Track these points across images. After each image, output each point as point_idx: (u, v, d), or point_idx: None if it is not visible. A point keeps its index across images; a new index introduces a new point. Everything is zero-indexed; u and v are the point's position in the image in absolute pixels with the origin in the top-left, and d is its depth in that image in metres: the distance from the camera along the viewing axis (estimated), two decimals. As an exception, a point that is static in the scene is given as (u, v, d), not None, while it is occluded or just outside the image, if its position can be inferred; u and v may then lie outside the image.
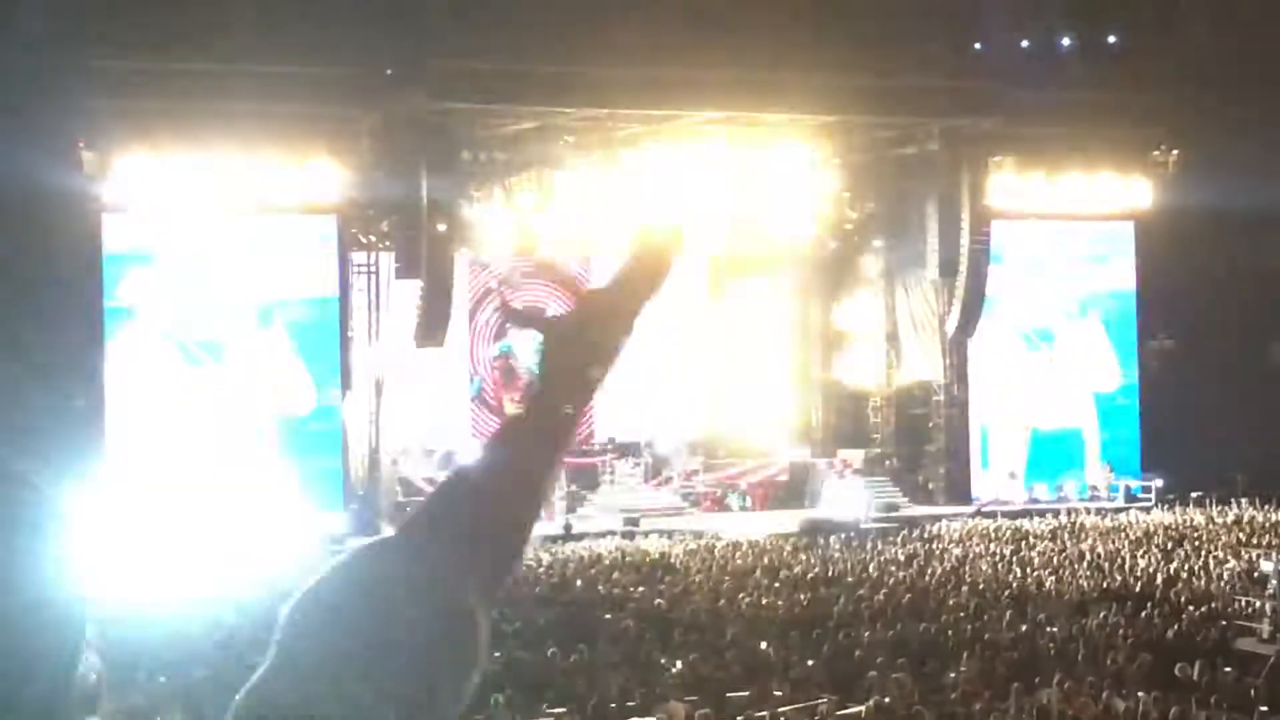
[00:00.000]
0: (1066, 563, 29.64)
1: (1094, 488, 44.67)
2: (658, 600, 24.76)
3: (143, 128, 35.87)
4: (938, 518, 39.22)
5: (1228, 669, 18.50)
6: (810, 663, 19.37)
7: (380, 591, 1.79)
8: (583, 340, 2.28)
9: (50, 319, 33.53)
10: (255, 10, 34.85)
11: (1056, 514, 39.50)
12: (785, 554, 31.98)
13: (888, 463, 45.99)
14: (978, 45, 41.85)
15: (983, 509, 41.54)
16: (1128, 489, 43.65)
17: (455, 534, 1.98)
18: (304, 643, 1.69)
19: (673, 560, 31.24)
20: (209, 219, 37.49)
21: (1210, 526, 35.53)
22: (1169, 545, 31.93)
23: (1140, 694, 16.57)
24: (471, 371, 45.78)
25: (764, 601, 24.62)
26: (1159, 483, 42.86)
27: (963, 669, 18.58)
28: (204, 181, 36.92)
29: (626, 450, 45.75)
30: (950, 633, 21.42)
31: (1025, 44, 42.83)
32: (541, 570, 29.73)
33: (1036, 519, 38.50)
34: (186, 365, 38.45)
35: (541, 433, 2.22)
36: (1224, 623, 22.44)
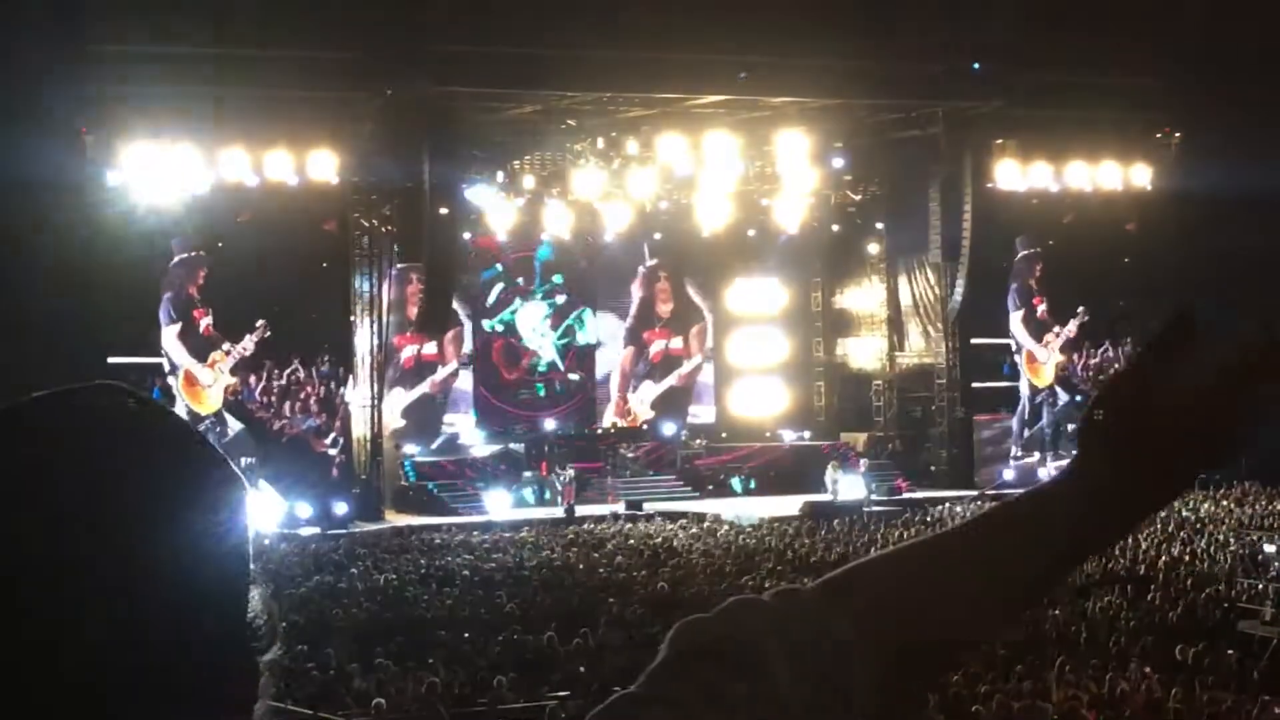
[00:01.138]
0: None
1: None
2: (660, 583, 24.78)
3: (146, 112, 35.81)
4: (941, 501, 39.23)
5: (1230, 651, 18.53)
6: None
7: (749, 658, 1.55)
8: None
9: (55, 302, 33.58)
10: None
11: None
12: (789, 537, 32.01)
13: (890, 445, 46.02)
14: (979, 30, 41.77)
15: (986, 492, 41.52)
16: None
17: (862, 623, 1.59)
18: (673, 684, 1.57)
19: (675, 543, 31.29)
20: (210, 202, 37.34)
21: (1213, 509, 35.54)
22: (1171, 528, 31.94)
23: (1146, 670, 16.61)
24: (470, 357, 45.81)
25: (767, 584, 24.64)
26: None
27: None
28: (206, 165, 36.82)
29: (629, 434, 45.84)
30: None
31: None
32: (544, 553, 29.79)
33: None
34: (185, 351, 38.32)
35: (1058, 532, 1.63)
36: (1226, 605, 22.47)
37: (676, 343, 49.20)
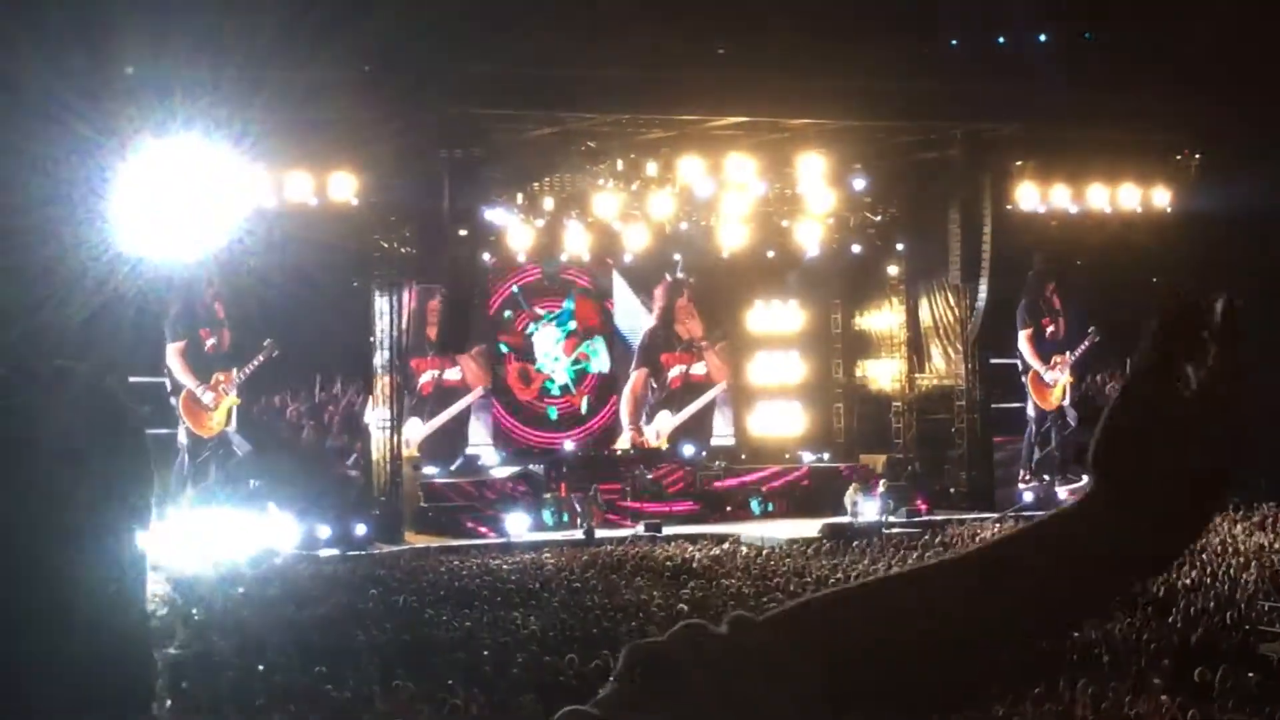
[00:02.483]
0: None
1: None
2: (680, 605, 24.77)
3: (164, 132, 35.84)
4: (961, 523, 39.16)
5: (1250, 674, 18.47)
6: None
7: (671, 682, 1.53)
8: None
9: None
10: (276, 17, 34.93)
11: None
12: (808, 558, 31.99)
13: (910, 468, 45.89)
14: (996, 44, 41.78)
15: (1007, 514, 41.40)
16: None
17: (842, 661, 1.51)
18: (610, 704, 1.56)
19: (694, 565, 31.28)
20: (227, 223, 37.17)
21: (1232, 530, 35.43)
22: (1191, 549, 31.85)
23: (1163, 699, 16.55)
24: (488, 383, 45.70)
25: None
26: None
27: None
28: (224, 185, 36.75)
29: (648, 455, 45.74)
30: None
31: (1044, 40, 42.72)
32: (563, 575, 29.78)
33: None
34: (187, 370, 38.04)
35: (1083, 545, 1.47)
36: (1247, 627, 22.41)
37: (699, 368, 48.80)
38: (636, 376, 47.81)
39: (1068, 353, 45.95)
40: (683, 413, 48.13)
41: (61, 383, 1.58)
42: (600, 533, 38.24)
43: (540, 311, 46.59)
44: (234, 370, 38.19)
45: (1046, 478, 45.02)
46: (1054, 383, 46.05)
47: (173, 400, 37.74)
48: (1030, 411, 45.90)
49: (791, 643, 1.56)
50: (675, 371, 48.36)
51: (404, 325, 40.92)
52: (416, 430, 43.10)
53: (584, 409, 47.01)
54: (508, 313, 46.27)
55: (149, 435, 1.64)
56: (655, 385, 47.99)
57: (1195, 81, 40.78)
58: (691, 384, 48.59)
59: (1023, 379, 45.90)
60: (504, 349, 46.18)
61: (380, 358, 40.06)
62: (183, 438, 37.52)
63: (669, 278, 47.58)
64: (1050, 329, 45.97)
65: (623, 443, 47.03)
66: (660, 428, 47.71)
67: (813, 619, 1.60)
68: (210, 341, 38.08)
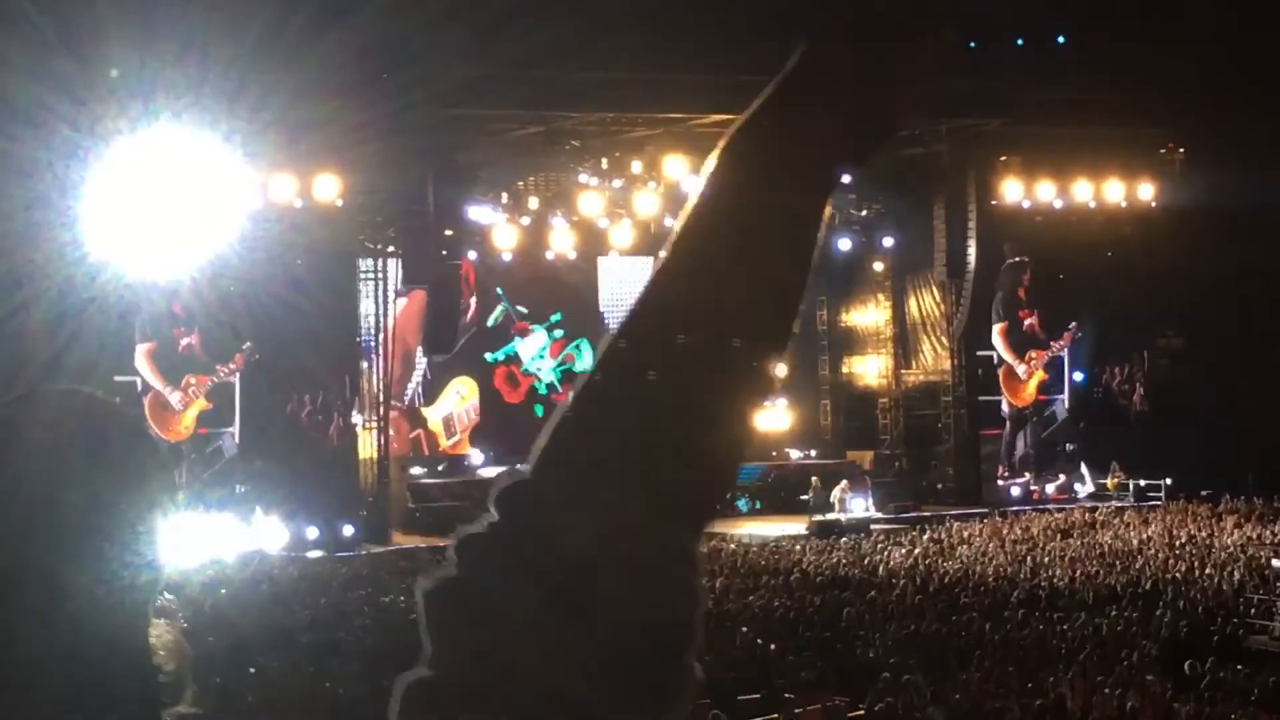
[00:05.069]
0: (1078, 561, 29.65)
1: (1103, 485, 44.53)
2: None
3: (149, 134, 35.74)
4: (952, 517, 39.15)
5: (1239, 667, 18.51)
6: (821, 664, 19.37)
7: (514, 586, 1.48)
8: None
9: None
10: (261, 20, 34.88)
11: (1067, 512, 39.47)
12: (795, 555, 31.98)
13: (897, 464, 45.92)
14: (978, 44, 41.75)
15: (995, 511, 41.42)
16: (1138, 487, 43.51)
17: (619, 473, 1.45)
18: (459, 641, 1.52)
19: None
20: (211, 224, 36.90)
21: (1221, 524, 35.48)
22: (1179, 543, 31.91)
23: (1152, 692, 16.58)
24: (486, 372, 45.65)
25: (775, 603, 24.62)
26: (1169, 481, 42.72)
27: (974, 669, 18.58)
28: (209, 187, 36.58)
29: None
30: (962, 633, 21.43)
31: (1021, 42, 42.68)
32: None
33: (1047, 518, 38.46)
34: (154, 371, 37.71)
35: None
36: (1235, 621, 22.45)
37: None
38: None
39: (1051, 344, 45.85)
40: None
41: (32, 407, 1.55)
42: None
43: (529, 325, 46.43)
44: (217, 370, 37.93)
45: (1026, 475, 44.98)
46: (1027, 378, 45.88)
47: (142, 401, 37.32)
48: (1004, 408, 45.80)
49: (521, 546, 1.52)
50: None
51: (390, 327, 40.72)
52: (447, 403, 42.59)
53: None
54: (491, 321, 46.14)
55: (146, 438, 1.61)
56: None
57: (1180, 76, 40.84)
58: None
59: (997, 371, 45.77)
60: (490, 359, 46.00)
61: (366, 358, 39.99)
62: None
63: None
64: (1028, 322, 45.82)
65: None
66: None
67: (535, 496, 1.54)
68: (184, 342, 37.51)
